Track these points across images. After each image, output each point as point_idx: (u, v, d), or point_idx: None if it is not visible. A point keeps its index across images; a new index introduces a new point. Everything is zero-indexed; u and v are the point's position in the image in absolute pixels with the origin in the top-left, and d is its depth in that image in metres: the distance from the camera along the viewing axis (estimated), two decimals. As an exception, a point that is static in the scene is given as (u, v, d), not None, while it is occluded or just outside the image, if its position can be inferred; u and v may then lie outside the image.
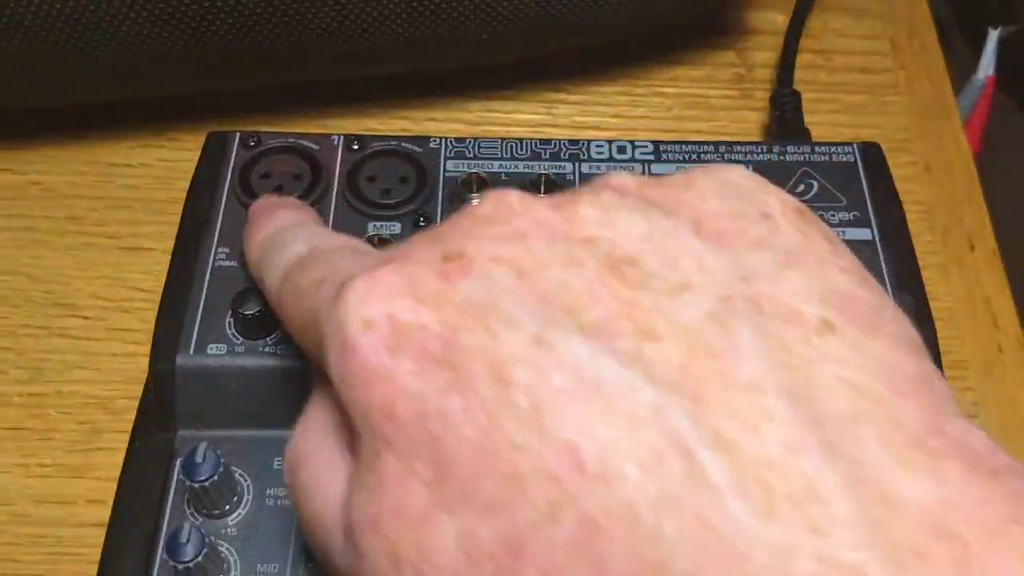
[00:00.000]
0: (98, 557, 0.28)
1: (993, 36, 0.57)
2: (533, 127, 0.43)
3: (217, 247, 0.31)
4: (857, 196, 0.34)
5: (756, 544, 0.13)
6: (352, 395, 0.17)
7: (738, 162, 0.35)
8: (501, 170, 0.34)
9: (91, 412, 0.34)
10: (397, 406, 0.16)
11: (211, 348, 0.29)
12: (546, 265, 0.17)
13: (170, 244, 0.32)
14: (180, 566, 0.25)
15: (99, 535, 0.28)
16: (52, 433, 0.34)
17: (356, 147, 0.34)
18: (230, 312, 0.29)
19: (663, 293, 0.16)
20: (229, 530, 0.28)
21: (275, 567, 0.27)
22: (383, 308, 0.17)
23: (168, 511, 0.28)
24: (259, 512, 0.28)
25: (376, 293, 0.17)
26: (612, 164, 0.35)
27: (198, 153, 0.34)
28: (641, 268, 0.17)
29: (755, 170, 0.35)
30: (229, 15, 0.34)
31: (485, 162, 0.35)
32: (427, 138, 0.35)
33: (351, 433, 0.18)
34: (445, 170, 0.34)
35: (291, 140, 0.34)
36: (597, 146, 0.35)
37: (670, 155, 0.35)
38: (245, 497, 0.28)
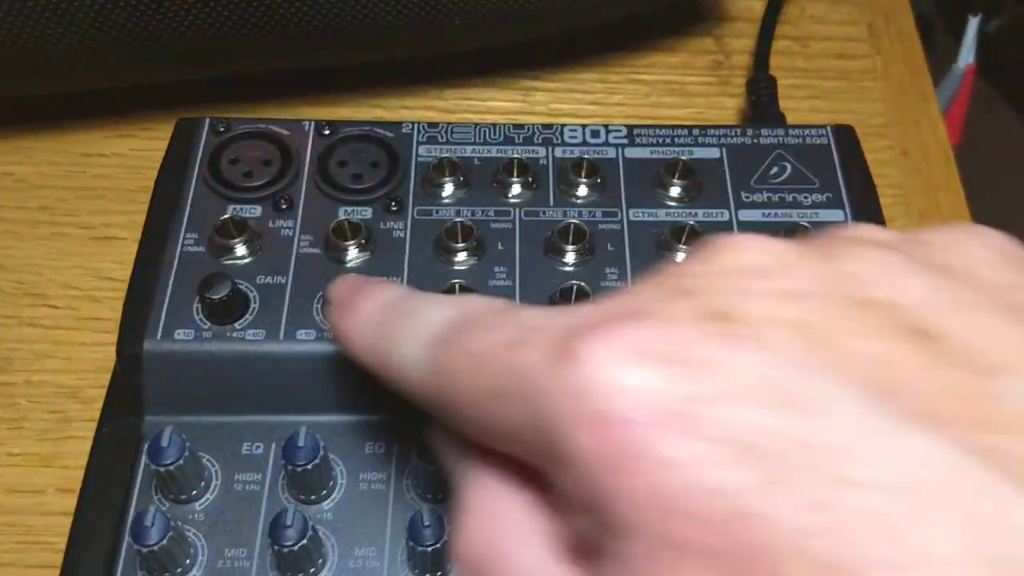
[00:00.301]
0: (67, 545, 0.28)
1: (973, 24, 0.57)
2: (509, 115, 0.42)
3: (186, 233, 0.31)
4: (830, 178, 0.34)
5: None
6: (615, 482, 0.14)
7: (712, 145, 0.35)
8: (474, 155, 0.34)
9: (61, 401, 0.34)
10: (699, 501, 0.13)
11: (178, 333, 0.29)
12: (835, 331, 0.14)
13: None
14: (145, 550, 0.25)
15: (69, 524, 0.28)
16: (22, 423, 0.33)
17: (327, 132, 0.34)
18: (197, 297, 0.29)
19: (984, 374, 0.14)
20: (197, 515, 0.28)
21: (243, 552, 0.27)
22: (648, 374, 0.14)
23: (136, 497, 0.28)
24: (227, 497, 0.28)
25: (630, 354, 0.14)
26: (586, 149, 0.35)
27: (170, 141, 0.34)
28: (946, 342, 0.14)
29: (729, 153, 0.35)
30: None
31: (458, 147, 0.34)
32: (399, 123, 0.35)
33: (576, 535, 0.15)
34: (417, 155, 0.34)
35: (261, 126, 0.34)
36: (571, 131, 0.35)
37: (644, 139, 0.35)
38: (213, 482, 0.28)
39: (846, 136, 0.35)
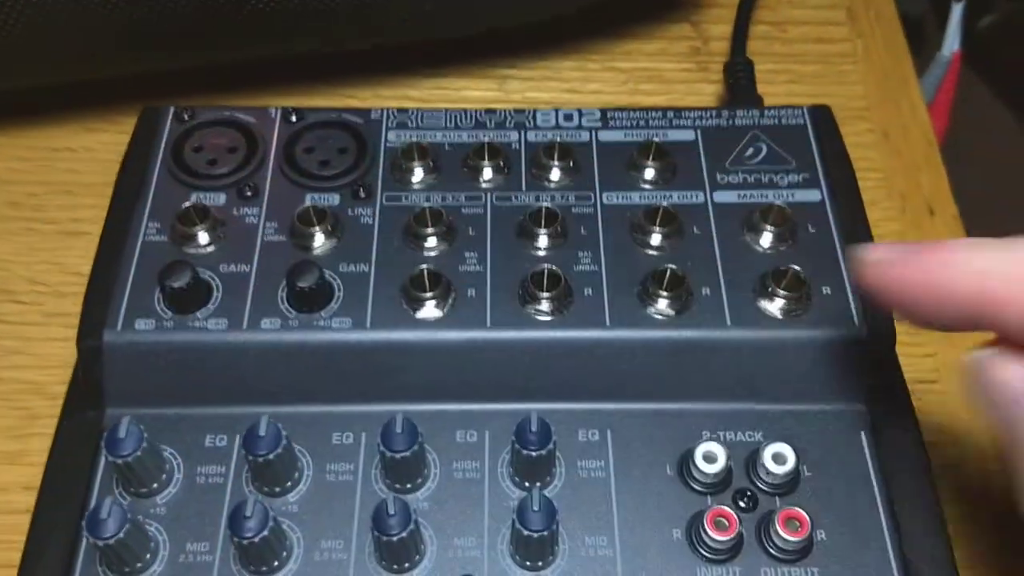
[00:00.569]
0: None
1: (956, 10, 0.56)
2: (485, 103, 0.42)
3: (148, 222, 0.31)
4: (807, 158, 0.33)
5: None
6: None
7: (687, 127, 0.34)
8: (444, 140, 0.34)
9: (27, 398, 0.33)
10: None
11: (139, 323, 0.28)
12: None
13: (108, 226, 0.31)
14: (102, 543, 0.24)
15: (32, 522, 0.27)
16: (-14, 420, 0.33)
17: (294, 119, 0.33)
18: (158, 287, 0.29)
19: None
20: (158, 509, 0.27)
21: (205, 546, 0.26)
22: None
23: (96, 492, 0.27)
24: (189, 490, 0.27)
25: None
26: (559, 132, 0.34)
27: (139, 133, 0.33)
28: None
29: (704, 135, 0.34)
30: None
31: (428, 132, 0.34)
32: (368, 110, 0.34)
33: None
34: (386, 140, 0.33)
35: (226, 113, 0.33)
36: (543, 115, 0.35)
37: (618, 122, 0.34)
38: (175, 475, 0.27)
39: (822, 116, 0.34)
